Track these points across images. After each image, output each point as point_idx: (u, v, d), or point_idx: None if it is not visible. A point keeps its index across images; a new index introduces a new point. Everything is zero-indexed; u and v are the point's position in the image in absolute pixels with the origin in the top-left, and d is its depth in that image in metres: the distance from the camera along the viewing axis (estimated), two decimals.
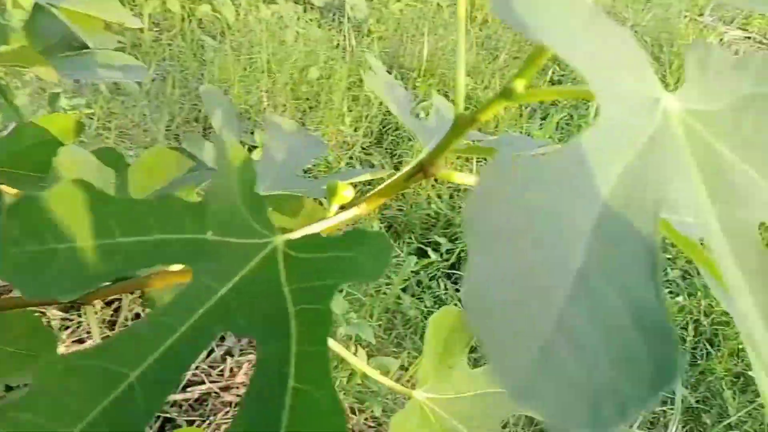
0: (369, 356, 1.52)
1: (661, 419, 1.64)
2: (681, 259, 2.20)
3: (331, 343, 0.40)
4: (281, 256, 0.29)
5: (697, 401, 1.66)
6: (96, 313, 1.34)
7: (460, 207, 2.30)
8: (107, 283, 0.38)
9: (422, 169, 0.34)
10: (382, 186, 0.37)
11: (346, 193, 0.41)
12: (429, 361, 0.41)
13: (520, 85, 0.29)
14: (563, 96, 0.36)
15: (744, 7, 0.36)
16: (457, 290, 1.99)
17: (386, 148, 2.55)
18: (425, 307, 1.90)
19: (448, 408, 0.38)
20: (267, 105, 2.53)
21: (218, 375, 1.42)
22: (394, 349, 1.74)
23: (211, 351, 1.46)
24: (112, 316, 1.48)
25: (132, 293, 1.31)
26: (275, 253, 0.29)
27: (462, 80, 0.36)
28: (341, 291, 1.72)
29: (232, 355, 1.49)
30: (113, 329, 1.42)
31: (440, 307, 1.88)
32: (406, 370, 1.65)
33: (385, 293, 1.88)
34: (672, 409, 1.68)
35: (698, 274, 2.14)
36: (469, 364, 0.43)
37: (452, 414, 0.38)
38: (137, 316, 1.49)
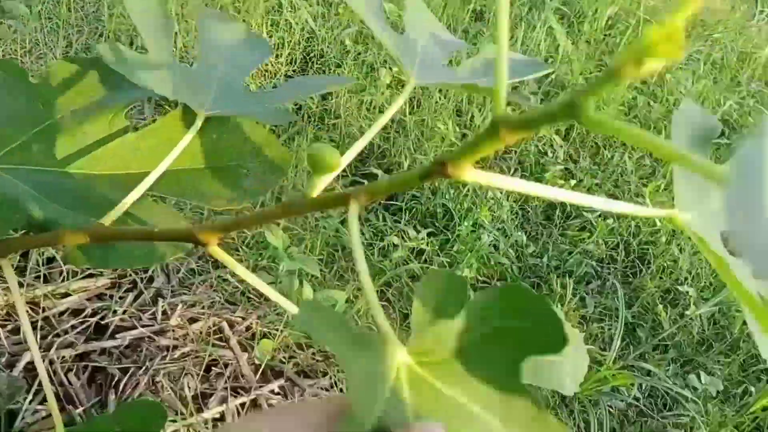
0: (314, 290, 1.44)
1: (606, 334, 1.69)
2: (607, 184, 2.25)
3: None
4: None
5: (633, 317, 1.72)
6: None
7: (394, 138, 2.22)
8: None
9: (442, 170, 0.29)
10: (389, 180, 0.32)
11: (333, 158, 0.34)
12: (420, 326, 0.36)
13: (590, 105, 0.23)
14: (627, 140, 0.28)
15: None
16: (396, 221, 1.93)
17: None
18: (365, 240, 1.83)
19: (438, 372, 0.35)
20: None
21: (150, 318, 1.29)
22: (338, 283, 1.67)
23: (139, 294, 1.33)
24: (20, 261, 1.31)
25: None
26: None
27: (504, 62, 0.27)
28: (279, 224, 1.62)
29: (163, 297, 1.36)
30: (24, 275, 1.25)
31: (381, 239, 1.82)
32: (353, 303, 1.59)
33: (324, 227, 1.79)
34: (613, 325, 1.73)
35: (624, 195, 2.20)
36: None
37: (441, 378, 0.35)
38: (49, 260, 1.32)
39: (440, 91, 2.41)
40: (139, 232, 0.46)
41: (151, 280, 1.38)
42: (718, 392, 1.49)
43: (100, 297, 1.29)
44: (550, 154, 2.32)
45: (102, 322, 1.25)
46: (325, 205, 0.34)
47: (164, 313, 1.31)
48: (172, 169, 0.50)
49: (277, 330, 1.42)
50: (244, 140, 0.55)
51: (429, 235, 1.88)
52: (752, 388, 1.58)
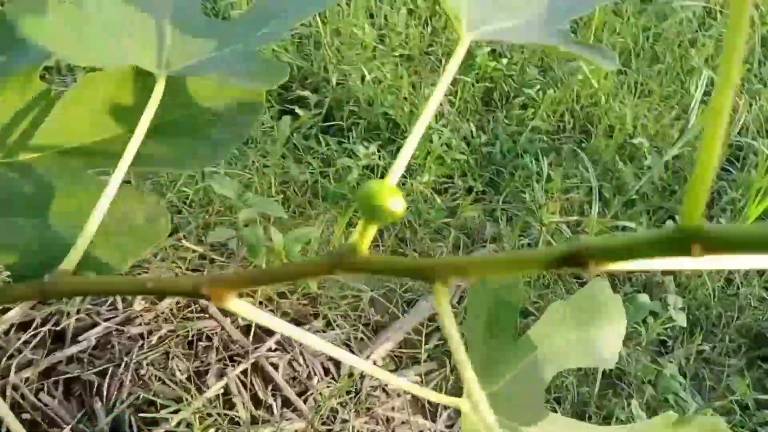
0: (282, 232, 1.32)
1: (577, 202, 1.68)
2: (537, 54, 2.18)
3: None
4: None
5: (597, 180, 1.71)
6: None
7: (313, 54, 2.04)
8: None
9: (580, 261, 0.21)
10: (502, 258, 0.24)
11: (394, 204, 0.24)
12: (474, 355, 0.33)
13: None
14: None
15: None
16: (340, 142, 1.80)
17: None
18: (314, 169, 1.70)
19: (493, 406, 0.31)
20: None
21: (110, 310, 1.14)
22: (300, 221, 1.55)
23: None
24: None
25: None
26: None
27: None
28: (231, 166, 1.45)
29: None
30: None
31: (331, 167, 1.69)
32: (328, 242, 1.48)
33: (266, 166, 1.63)
34: (580, 192, 1.72)
35: (557, 62, 2.15)
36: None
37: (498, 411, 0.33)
38: None
39: None
40: (125, 285, 0.33)
41: None
42: None
43: (44, 302, 1.12)
44: None
45: (57, 329, 1.09)
46: (393, 272, 0.25)
47: (124, 300, 1.16)
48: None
49: (254, 290, 1.30)
50: (200, 86, 0.42)
51: (379, 148, 1.77)
52: (722, 220, 1.63)
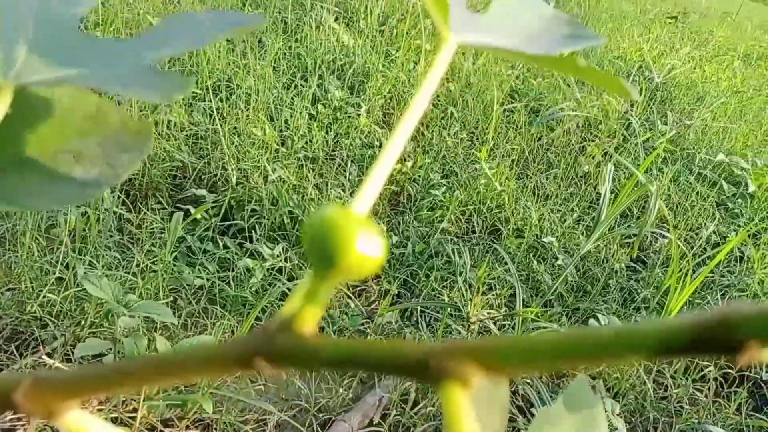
0: (171, 340, 1.10)
1: (497, 301, 1.60)
2: (437, 162, 2.19)
3: None
4: None
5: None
6: None
7: (210, 152, 1.91)
8: None
9: (728, 341, 0.12)
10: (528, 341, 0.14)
11: (367, 244, 0.14)
12: None
13: None
14: None
15: None
16: (240, 244, 1.63)
17: None
18: (210, 273, 1.50)
19: None
20: None
21: None
22: (193, 331, 1.33)
23: None
24: None
25: None
26: None
27: None
28: (111, 270, 1.22)
29: None
30: None
31: (230, 270, 1.51)
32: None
33: (153, 270, 1.42)
34: (501, 292, 1.65)
35: (459, 166, 2.16)
36: None
37: None
38: None
39: (253, 93, 2.15)
40: None
41: None
42: None
43: None
44: (377, 144, 2.20)
45: None
46: (364, 365, 0.15)
47: None
48: None
49: (132, 413, 1.05)
50: (64, 110, 0.31)
51: (285, 249, 1.62)
52: (638, 319, 1.61)
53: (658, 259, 1.86)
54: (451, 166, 2.18)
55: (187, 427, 1.08)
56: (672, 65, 3.28)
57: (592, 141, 2.43)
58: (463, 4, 0.30)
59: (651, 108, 2.79)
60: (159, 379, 0.16)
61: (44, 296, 1.22)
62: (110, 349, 1.06)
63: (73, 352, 1.10)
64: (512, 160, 2.26)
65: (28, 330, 1.21)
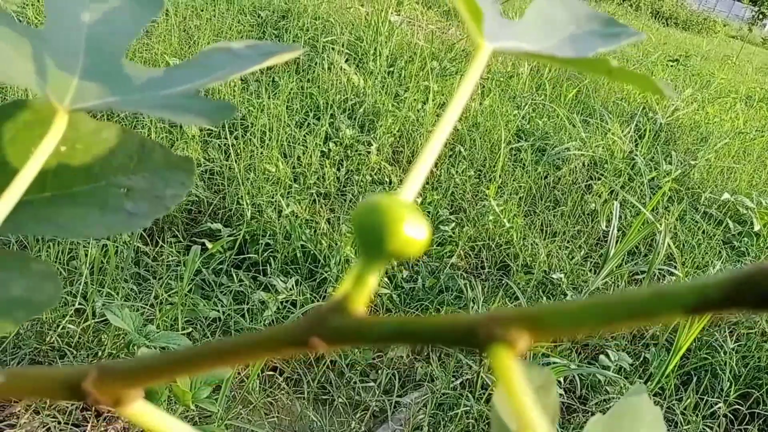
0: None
1: None
2: (446, 199, 2.23)
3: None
4: None
5: None
6: None
7: (225, 188, 1.96)
8: None
9: None
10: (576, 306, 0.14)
11: (413, 229, 0.15)
12: None
13: None
14: None
15: None
16: (254, 277, 1.66)
17: None
18: (225, 305, 1.53)
19: None
20: None
21: None
22: None
23: None
24: None
25: None
26: None
27: None
28: (128, 301, 1.25)
29: None
30: None
31: (244, 303, 1.54)
32: (241, 381, 1.28)
33: (170, 303, 1.45)
34: None
35: (467, 203, 2.20)
36: None
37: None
38: None
39: (267, 130, 2.21)
40: None
41: None
42: (630, 366, 1.49)
43: None
44: (386, 180, 2.25)
45: None
46: (414, 338, 0.15)
47: None
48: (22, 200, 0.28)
49: None
50: (112, 147, 0.34)
51: (298, 282, 1.65)
52: (647, 355, 1.62)
53: None
54: (459, 203, 2.22)
55: None
56: (675, 107, 3.35)
57: (598, 180, 2.47)
58: (497, 12, 0.31)
59: (656, 148, 2.84)
60: (220, 362, 0.16)
61: (63, 327, 1.25)
62: None
63: None
64: (520, 198, 2.30)
65: (46, 360, 1.23)
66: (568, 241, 2.11)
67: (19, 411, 1.02)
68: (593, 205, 2.30)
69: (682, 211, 2.33)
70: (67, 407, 1.08)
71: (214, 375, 1.15)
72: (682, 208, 2.34)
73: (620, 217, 2.00)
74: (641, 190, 2.41)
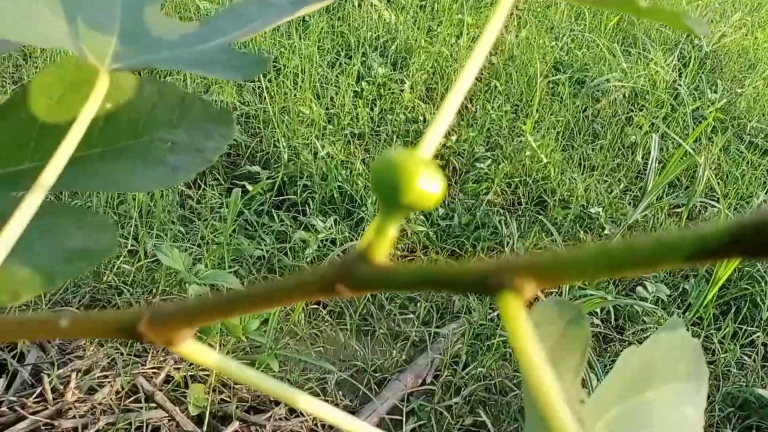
0: None
1: None
2: (482, 136, 2.22)
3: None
4: None
5: (560, 246, 1.68)
6: None
7: (261, 131, 1.98)
8: None
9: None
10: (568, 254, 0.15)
11: (428, 183, 0.16)
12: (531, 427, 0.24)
13: None
14: None
15: None
16: (294, 217, 1.71)
17: None
18: (268, 245, 1.58)
19: None
20: None
21: (38, 402, 0.95)
22: None
23: (13, 377, 0.98)
24: None
25: None
26: None
27: None
28: (176, 242, 1.31)
29: (46, 373, 1.02)
30: None
31: (285, 242, 1.59)
32: (287, 314, 1.35)
33: (216, 243, 1.51)
34: None
35: (504, 139, 2.19)
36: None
37: None
38: None
39: (300, 72, 2.21)
40: (30, 326, 0.23)
41: (22, 356, 1.02)
42: (668, 297, 1.50)
43: None
44: (421, 119, 2.24)
45: None
46: (432, 283, 0.16)
47: (54, 390, 0.97)
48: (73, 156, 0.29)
49: (205, 370, 1.14)
50: (153, 103, 0.35)
51: (336, 222, 1.69)
52: (686, 286, 1.62)
53: None
54: (495, 139, 2.21)
55: None
56: (722, 33, 3.19)
57: (640, 111, 2.41)
58: None
59: (700, 77, 2.73)
60: (256, 306, 0.17)
61: (119, 267, 1.32)
62: None
63: None
64: (557, 132, 2.27)
65: (105, 297, 1.31)
66: (607, 175, 2.09)
67: (85, 344, 1.10)
68: (633, 137, 2.25)
69: (726, 142, 2.26)
70: (129, 340, 1.16)
71: None
72: (726, 138, 2.27)
73: (661, 149, 1.96)
74: (684, 121, 2.34)
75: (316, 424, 1.16)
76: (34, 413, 0.92)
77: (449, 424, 1.22)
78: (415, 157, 0.16)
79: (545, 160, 2.05)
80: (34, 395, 0.95)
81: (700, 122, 2.29)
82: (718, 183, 1.92)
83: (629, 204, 1.91)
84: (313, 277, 0.16)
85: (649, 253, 0.13)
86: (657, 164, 1.75)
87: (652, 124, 2.31)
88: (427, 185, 0.15)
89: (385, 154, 0.16)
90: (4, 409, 0.91)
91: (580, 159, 2.16)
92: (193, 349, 0.17)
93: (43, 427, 0.90)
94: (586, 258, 0.14)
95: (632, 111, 2.42)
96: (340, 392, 1.24)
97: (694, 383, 0.30)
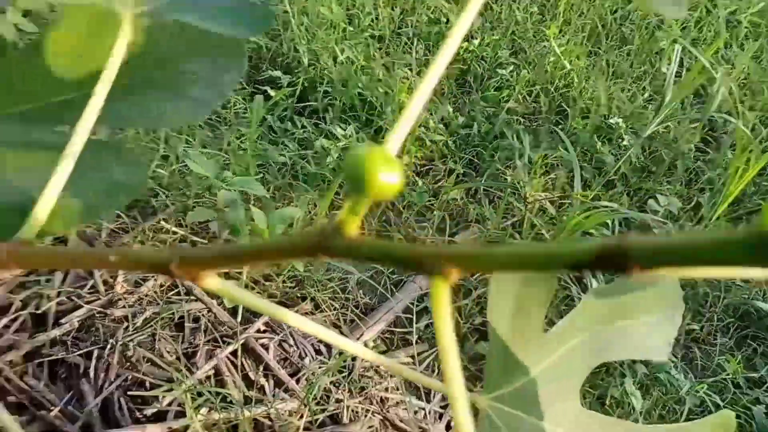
0: (264, 210, 1.26)
1: (558, 182, 1.68)
2: (506, 38, 2.17)
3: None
4: None
5: (578, 156, 1.70)
6: None
7: (282, 34, 1.97)
8: None
9: (620, 263, 0.16)
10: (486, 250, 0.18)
11: (388, 176, 0.18)
12: (495, 347, 0.31)
13: None
14: None
15: None
16: (316, 124, 1.74)
17: None
18: (291, 151, 1.64)
19: (514, 400, 0.31)
20: None
21: (91, 293, 1.06)
22: (281, 203, 1.49)
23: (67, 271, 1.08)
24: None
25: None
26: None
27: None
28: (205, 148, 1.38)
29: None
30: None
31: (308, 149, 1.63)
32: (312, 219, 1.42)
33: (242, 148, 1.56)
34: (558, 173, 1.72)
35: (528, 43, 2.15)
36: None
37: (520, 406, 0.32)
38: None
39: None
40: (84, 258, 0.28)
41: None
42: (679, 210, 1.54)
43: (23, 286, 1.04)
44: (443, 21, 2.19)
45: (38, 312, 1.01)
46: (384, 259, 0.19)
47: (105, 282, 1.08)
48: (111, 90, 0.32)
49: (239, 269, 1.24)
50: (175, 38, 0.37)
51: (357, 129, 1.72)
52: (701, 200, 1.65)
53: (730, 142, 1.85)
54: (519, 43, 2.16)
55: (284, 282, 1.27)
56: None
57: None
58: None
59: None
60: (260, 259, 0.22)
61: (154, 171, 1.39)
62: (214, 217, 1.22)
63: (184, 219, 1.28)
64: (584, 36, 2.21)
65: (144, 199, 1.39)
66: (632, 83, 2.06)
67: (128, 243, 1.19)
68: (663, 42, 2.19)
69: (758, 49, 2.19)
70: (168, 240, 1.25)
71: (287, 214, 1.28)
72: (759, 45, 2.19)
73: (691, 57, 1.92)
74: (716, 26, 2.26)
75: (338, 318, 1.27)
76: (88, 302, 1.03)
77: (459, 324, 1.33)
78: (380, 153, 0.18)
79: (568, 67, 2.02)
80: (87, 287, 1.06)
81: (736, 26, 2.21)
82: (745, 95, 1.89)
83: (652, 114, 1.90)
84: (301, 244, 0.20)
85: (541, 260, 0.16)
86: (680, 74, 1.73)
87: (684, 27, 2.23)
88: (387, 178, 0.18)
89: (356, 150, 0.19)
90: (62, 298, 1.02)
91: (605, 65, 2.13)
92: (212, 283, 0.22)
93: (97, 315, 1.02)
94: (494, 257, 0.17)
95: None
96: (360, 291, 1.34)
97: (669, 314, 0.33)
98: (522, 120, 1.91)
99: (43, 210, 0.25)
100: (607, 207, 1.53)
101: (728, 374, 1.35)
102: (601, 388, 1.28)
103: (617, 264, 0.15)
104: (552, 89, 2.00)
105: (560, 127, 1.89)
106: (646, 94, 2.01)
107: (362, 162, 0.18)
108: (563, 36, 2.17)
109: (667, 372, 1.27)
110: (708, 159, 1.81)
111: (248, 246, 0.22)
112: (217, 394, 1.01)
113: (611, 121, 1.81)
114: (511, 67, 2.03)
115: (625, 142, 1.77)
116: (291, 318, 0.23)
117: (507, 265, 0.17)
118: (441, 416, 1.18)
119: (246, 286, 1.20)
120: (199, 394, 1.00)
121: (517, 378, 0.30)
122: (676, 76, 1.76)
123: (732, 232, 0.14)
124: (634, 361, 1.31)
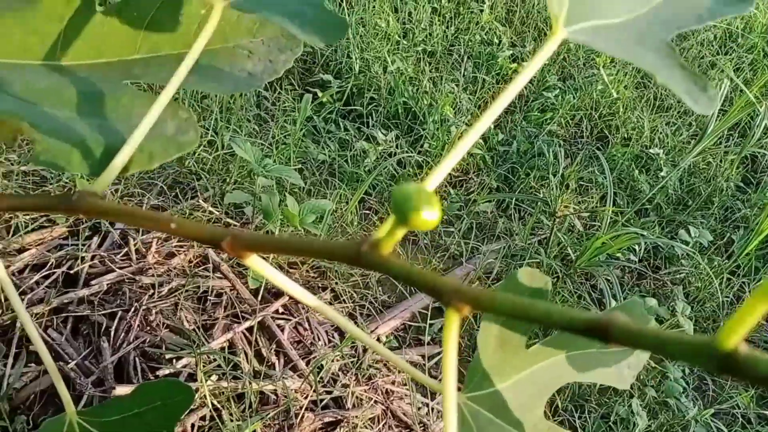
0: (299, 202, 1.32)
1: (590, 204, 1.68)
2: (556, 64, 2.20)
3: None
4: None
5: (613, 183, 1.71)
6: None
7: (337, 44, 2.06)
8: None
9: (602, 336, 0.20)
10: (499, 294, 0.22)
11: (428, 214, 0.21)
12: (485, 356, 0.34)
13: None
14: None
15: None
16: (358, 128, 1.81)
17: None
18: (331, 150, 1.71)
19: (486, 402, 0.35)
20: None
21: (123, 260, 1.14)
22: (318, 196, 1.55)
23: (104, 236, 1.17)
24: None
25: None
26: None
27: None
28: (251, 140, 1.46)
29: (132, 236, 1.20)
30: None
31: (348, 150, 1.70)
32: (341, 214, 1.48)
33: (285, 143, 1.64)
34: (593, 197, 1.72)
35: (577, 70, 2.17)
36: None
37: (490, 408, 0.35)
38: None
39: None
40: (148, 218, 0.32)
41: (112, 222, 1.21)
42: (709, 243, 1.53)
43: (60, 247, 1.12)
44: (496, 42, 2.23)
45: (71, 272, 1.09)
46: (409, 282, 0.23)
47: (138, 251, 1.16)
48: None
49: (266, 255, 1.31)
50: (239, 15, 0.42)
51: (397, 136, 1.78)
52: (734, 237, 1.63)
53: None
54: (569, 70, 2.19)
55: (307, 271, 1.33)
56: None
57: (725, 55, 2.30)
58: None
59: None
60: (301, 254, 0.25)
61: (199, 155, 1.48)
62: (250, 201, 1.30)
63: (221, 201, 1.36)
64: (634, 68, 2.22)
65: (185, 180, 1.48)
66: (677, 117, 2.05)
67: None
68: (716, 80, 2.17)
69: None
70: (204, 219, 1.33)
71: (318, 205, 1.35)
72: None
73: (739, 95, 1.90)
74: None
75: (354, 310, 1.31)
76: (120, 268, 1.11)
77: (473, 328, 1.35)
78: (424, 193, 0.21)
79: (615, 95, 2.03)
80: (121, 254, 1.14)
81: None
82: None
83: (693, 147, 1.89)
84: (341, 250, 0.23)
85: (542, 315, 0.19)
86: (725, 111, 1.72)
87: (738, 68, 2.21)
88: (428, 215, 0.20)
89: (404, 187, 0.21)
90: (95, 261, 1.11)
91: (653, 98, 2.12)
92: (254, 262, 0.26)
93: (126, 280, 1.09)
94: (503, 305, 0.20)
95: (719, 54, 2.31)
96: (380, 288, 1.39)
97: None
98: (562, 143, 1.93)
99: (128, 150, 0.30)
100: (635, 232, 1.53)
101: (739, 408, 1.33)
102: (607, 407, 1.28)
103: (600, 336, 0.18)
104: (596, 116, 2.02)
105: (599, 153, 1.89)
106: (692, 130, 1.99)
107: (408, 199, 0.21)
108: (613, 66, 2.18)
109: (676, 398, 1.26)
110: (746, 198, 1.79)
111: (295, 240, 0.27)
112: (228, 362, 1.07)
113: (652, 151, 1.81)
114: (557, 91, 2.05)
115: (663, 173, 1.76)
116: (312, 301, 0.27)
117: (512, 314, 0.20)
118: (442, 415, 1.21)
119: None
120: (211, 362, 1.06)
121: (491, 384, 0.34)
122: (721, 114, 1.75)
123: (699, 339, 0.16)
124: (645, 384, 1.31)
